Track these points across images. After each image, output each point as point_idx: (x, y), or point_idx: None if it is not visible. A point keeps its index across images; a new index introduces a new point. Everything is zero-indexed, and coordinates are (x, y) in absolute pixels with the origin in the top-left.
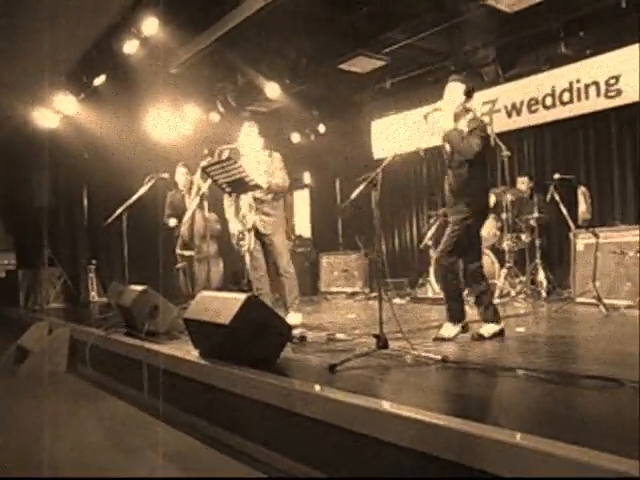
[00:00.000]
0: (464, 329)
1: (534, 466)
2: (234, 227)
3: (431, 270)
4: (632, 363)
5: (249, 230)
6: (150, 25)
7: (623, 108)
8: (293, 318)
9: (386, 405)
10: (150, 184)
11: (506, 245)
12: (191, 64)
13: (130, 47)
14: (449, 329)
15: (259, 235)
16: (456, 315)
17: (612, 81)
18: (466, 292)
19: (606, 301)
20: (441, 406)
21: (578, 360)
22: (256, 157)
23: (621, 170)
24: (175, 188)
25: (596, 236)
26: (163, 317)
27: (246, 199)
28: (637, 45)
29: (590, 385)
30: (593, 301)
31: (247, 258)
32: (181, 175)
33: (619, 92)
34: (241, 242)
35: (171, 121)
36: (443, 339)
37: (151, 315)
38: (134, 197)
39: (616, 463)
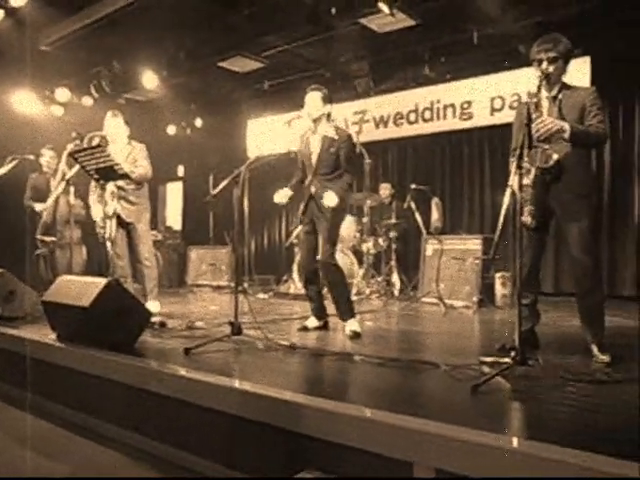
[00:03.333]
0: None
1: (347, 430)
2: (96, 214)
3: (294, 267)
4: (452, 350)
5: (110, 217)
6: None
7: (473, 131)
8: (152, 306)
9: (230, 381)
10: (12, 165)
11: (365, 247)
12: (64, 43)
13: None
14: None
15: (122, 223)
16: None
17: (465, 105)
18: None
19: (447, 301)
20: (281, 383)
21: (410, 349)
22: (121, 146)
23: (470, 186)
24: (39, 171)
25: (441, 242)
26: (20, 302)
27: (109, 187)
28: (486, 76)
29: (411, 367)
30: (436, 301)
31: (108, 245)
32: (47, 158)
33: (470, 116)
34: (101, 229)
35: (39, 100)
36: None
37: (7, 299)
38: None
39: (406, 422)
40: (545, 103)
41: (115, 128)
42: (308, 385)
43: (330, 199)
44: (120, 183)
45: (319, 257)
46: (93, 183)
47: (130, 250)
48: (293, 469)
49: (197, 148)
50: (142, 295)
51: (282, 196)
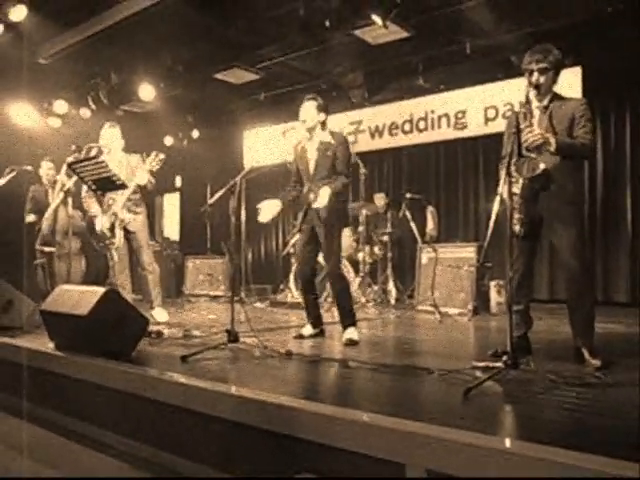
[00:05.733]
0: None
1: (341, 433)
2: (104, 224)
3: (291, 276)
4: (446, 357)
5: (120, 228)
6: (18, 12)
7: (467, 140)
8: (160, 315)
9: (226, 388)
10: (10, 176)
11: (361, 256)
12: (62, 57)
13: None
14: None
15: (125, 232)
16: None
17: (460, 115)
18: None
19: (442, 309)
20: (277, 389)
21: (405, 355)
22: (118, 156)
23: (464, 195)
24: (38, 182)
25: (435, 251)
26: (18, 312)
27: (120, 199)
28: (480, 87)
29: (405, 372)
30: (431, 308)
31: (115, 255)
32: (46, 170)
33: (465, 125)
34: (111, 240)
35: (37, 113)
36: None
37: (4, 309)
38: None
39: (398, 424)
40: (536, 113)
41: (111, 139)
42: (304, 391)
43: (322, 196)
44: (129, 195)
45: (326, 268)
46: (89, 194)
47: (131, 258)
48: (288, 473)
49: (194, 159)
50: (146, 303)
51: (267, 212)
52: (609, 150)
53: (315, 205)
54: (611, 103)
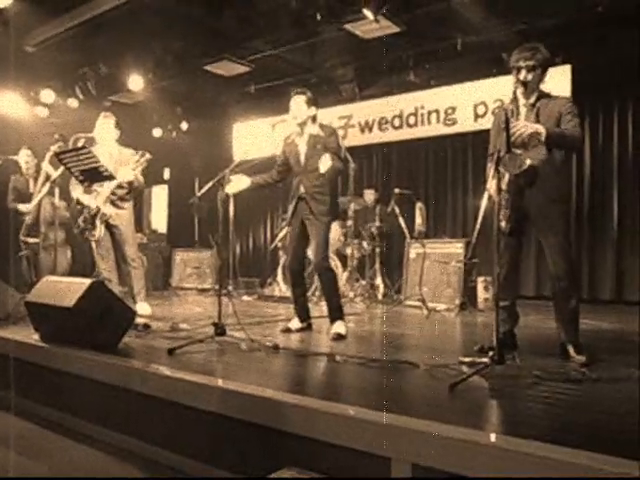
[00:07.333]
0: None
1: (325, 427)
2: (89, 201)
3: (279, 270)
4: (433, 351)
5: (101, 221)
6: None
7: (457, 136)
8: (142, 308)
9: (212, 380)
10: None
11: (349, 251)
12: (50, 45)
13: None
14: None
15: (109, 226)
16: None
17: (450, 111)
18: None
19: (430, 304)
20: (262, 382)
21: (392, 350)
22: (109, 149)
23: (453, 190)
24: (19, 172)
25: (423, 246)
26: (3, 303)
27: (104, 192)
28: (470, 83)
29: (391, 367)
30: (419, 304)
31: (93, 246)
32: (25, 158)
33: (455, 121)
34: (91, 232)
35: (24, 101)
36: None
37: None
38: None
39: (384, 418)
40: (523, 110)
41: (105, 130)
42: (290, 384)
43: (324, 161)
44: (113, 189)
45: (313, 260)
46: (74, 182)
47: (116, 252)
48: (273, 466)
49: (183, 151)
50: (130, 297)
51: (234, 185)
52: (597, 148)
53: (321, 169)
54: (600, 101)
